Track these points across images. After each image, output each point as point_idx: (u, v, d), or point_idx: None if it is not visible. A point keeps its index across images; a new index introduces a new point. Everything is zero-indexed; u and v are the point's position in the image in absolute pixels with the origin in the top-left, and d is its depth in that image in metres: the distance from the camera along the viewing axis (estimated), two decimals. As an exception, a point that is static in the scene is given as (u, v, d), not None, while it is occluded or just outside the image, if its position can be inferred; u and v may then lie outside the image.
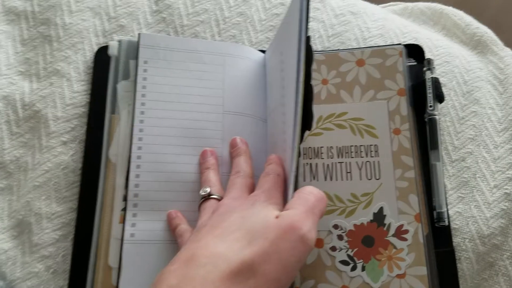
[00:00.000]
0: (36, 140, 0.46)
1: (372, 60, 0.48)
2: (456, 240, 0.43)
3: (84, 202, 0.43)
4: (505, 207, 0.44)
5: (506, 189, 0.45)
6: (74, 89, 0.47)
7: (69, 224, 0.43)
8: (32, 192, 0.44)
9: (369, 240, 0.41)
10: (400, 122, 0.45)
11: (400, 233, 0.41)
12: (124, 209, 0.41)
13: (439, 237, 0.43)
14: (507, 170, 0.46)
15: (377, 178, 0.43)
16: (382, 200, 0.42)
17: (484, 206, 0.45)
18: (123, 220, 0.41)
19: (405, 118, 0.45)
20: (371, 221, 0.42)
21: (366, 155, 0.44)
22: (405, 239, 0.41)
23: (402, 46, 0.48)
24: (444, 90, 0.50)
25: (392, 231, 0.41)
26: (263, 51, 0.50)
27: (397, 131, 0.45)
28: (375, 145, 0.45)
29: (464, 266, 0.43)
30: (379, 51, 0.48)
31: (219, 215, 0.35)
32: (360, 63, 0.48)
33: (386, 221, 0.42)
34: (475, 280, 0.43)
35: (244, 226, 0.32)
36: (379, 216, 0.42)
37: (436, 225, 0.43)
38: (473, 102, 0.50)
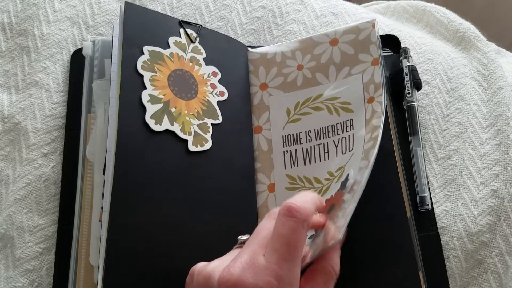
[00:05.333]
0: (16, 152, 0.45)
1: (345, 38, 0.46)
2: (444, 238, 0.43)
3: (65, 212, 0.42)
4: (492, 204, 0.44)
5: (493, 185, 0.45)
6: (54, 100, 0.47)
7: (52, 236, 0.42)
8: (14, 206, 0.43)
9: (332, 208, 0.38)
10: (374, 90, 0.43)
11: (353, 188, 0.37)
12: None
13: (423, 222, 0.43)
14: (494, 166, 0.46)
15: (350, 149, 0.42)
16: (351, 167, 0.40)
17: (471, 204, 0.44)
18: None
19: (379, 85, 0.43)
20: (339, 190, 0.39)
21: (342, 131, 0.43)
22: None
23: (375, 19, 0.46)
24: (427, 88, 0.50)
25: (348, 189, 0.38)
26: None
27: (371, 100, 0.43)
28: (351, 119, 0.43)
29: (453, 265, 0.42)
30: (352, 27, 0.47)
31: None
32: (334, 42, 0.47)
33: (348, 184, 0.39)
34: (464, 278, 0.43)
35: None
36: (345, 183, 0.39)
37: (420, 209, 0.43)
38: (458, 99, 0.49)
